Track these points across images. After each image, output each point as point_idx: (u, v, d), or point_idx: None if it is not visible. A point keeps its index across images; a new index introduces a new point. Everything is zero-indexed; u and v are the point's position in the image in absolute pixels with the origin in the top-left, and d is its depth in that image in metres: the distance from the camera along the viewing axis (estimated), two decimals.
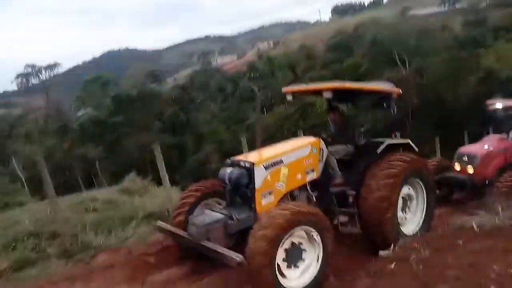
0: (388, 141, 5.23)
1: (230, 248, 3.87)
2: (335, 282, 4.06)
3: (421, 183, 5.26)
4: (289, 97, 5.50)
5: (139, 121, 35.19)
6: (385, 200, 4.68)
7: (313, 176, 4.84)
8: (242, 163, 4.45)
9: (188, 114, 37.48)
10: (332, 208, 4.92)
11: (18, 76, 53.37)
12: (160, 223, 4.78)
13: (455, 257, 3.75)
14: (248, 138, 9.87)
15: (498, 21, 35.05)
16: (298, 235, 3.87)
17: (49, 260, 4.94)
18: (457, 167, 7.96)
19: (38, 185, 25.82)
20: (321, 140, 4.99)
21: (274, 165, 4.44)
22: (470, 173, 7.62)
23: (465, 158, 7.82)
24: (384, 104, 5.49)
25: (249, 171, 4.33)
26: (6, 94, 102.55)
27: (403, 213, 5.15)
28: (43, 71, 54.83)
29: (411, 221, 5.27)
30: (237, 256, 3.57)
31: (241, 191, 4.40)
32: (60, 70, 62.24)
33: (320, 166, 4.91)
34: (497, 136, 8.54)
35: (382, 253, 4.46)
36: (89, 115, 36.11)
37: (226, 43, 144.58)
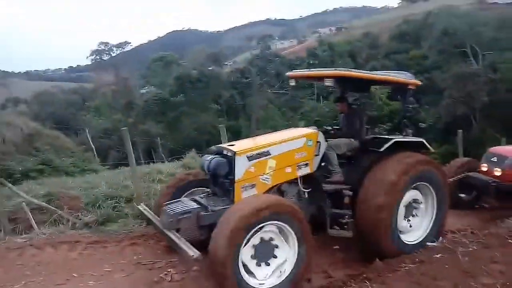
0: (396, 138, 4.73)
1: (201, 241, 3.69)
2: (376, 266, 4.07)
3: (431, 187, 4.73)
4: (292, 82, 5.15)
5: (198, 102, 36.63)
6: (383, 207, 4.21)
7: (306, 170, 4.47)
8: (224, 152, 4.20)
9: (245, 98, 38.22)
10: (324, 207, 4.54)
11: (92, 52, 57.29)
12: (142, 206, 4.68)
13: (502, 254, 3.85)
14: (305, 125, 10.01)
15: None
16: (270, 230, 3.60)
17: (127, 219, 5.69)
18: (484, 168, 7.20)
19: (105, 155, 28.17)
20: (319, 132, 4.61)
21: (260, 156, 4.14)
22: (496, 176, 6.88)
23: (494, 159, 7.08)
24: (399, 97, 5.05)
25: (230, 160, 4.05)
26: (79, 68, 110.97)
27: (407, 220, 4.68)
28: (114, 49, 58.29)
29: (417, 228, 4.76)
30: (193, 252, 3.38)
31: (221, 182, 4.16)
32: (128, 48, 65.78)
33: (316, 161, 4.54)
34: None
35: (429, 243, 4.60)
36: (153, 93, 38.08)
37: (286, 27, 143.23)
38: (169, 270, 4.23)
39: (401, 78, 4.89)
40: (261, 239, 3.58)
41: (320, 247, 4.74)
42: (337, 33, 79.48)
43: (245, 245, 3.45)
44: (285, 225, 3.58)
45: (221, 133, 6.91)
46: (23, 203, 5.65)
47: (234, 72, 40.39)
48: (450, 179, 6.52)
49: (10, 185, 6.09)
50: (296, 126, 6.80)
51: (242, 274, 3.41)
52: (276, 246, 3.65)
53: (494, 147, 7.60)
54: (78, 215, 5.72)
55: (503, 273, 3.40)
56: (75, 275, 4.19)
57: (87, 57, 61.85)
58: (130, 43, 64.96)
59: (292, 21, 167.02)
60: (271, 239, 3.63)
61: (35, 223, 5.45)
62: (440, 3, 55.57)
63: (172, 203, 4.19)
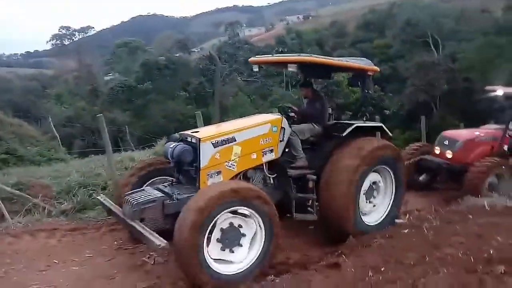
0: (357, 123, 4.88)
1: (167, 231, 3.61)
2: (350, 242, 4.32)
3: (390, 170, 4.93)
4: (255, 68, 5.15)
5: (166, 90, 35.97)
6: (345, 190, 4.38)
7: (272, 156, 4.50)
8: (189, 139, 4.15)
9: (214, 86, 37.94)
10: (289, 192, 4.59)
11: (52, 37, 54.52)
12: (102, 196, 4.57)
13: (463, 228, 4.22)
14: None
15: None
16: (235, 216, 3.62)
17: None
18: (437, 150, 7.68)
19: (70, 144, 27.23)
20: (283, 118, 4.62)
21: (225, 142, 4.11)
22: (448, 158, 7.37)
23: (446, 142, 7.57)
24: (359, 83, 5.17)
25: (195, 147, 4.00)
26: (37, 54, 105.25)
27: (368, 202, 4.87)
28: (76, 34, 55.76)
29: (377, 209, 4.99)
30: (160, 241, 3.32)
31: (185, 169, 4.10)
32: (91, 33, 63.04)
33: (280, 146, 4.58)
34: (494, 126, 8.10)
35: (397, 221, 4.96)
36: (119, 80, 36.99)
37: (254, 14, 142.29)
38: (151, 253, 4.29)
39: (361, 64, 5.01)
40: (230, 224, 3.60)
41: (295, 228, 5.00)
42: (304, 21, 80.00)
43: (210, 231, 3.43)
44: (253, 211, 3.60)
45: (197, 120, 6.95)
46: None
47: (202, 59, 39.81)
48: (406, 162, 6.96)
49: None
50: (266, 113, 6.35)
51: (208, 261, 3.42)
52: (244, 235, 3.67)
53: (446, 131, 8.03)
54: (55, 203, 5.64)
55: (463, 244, 3.75)
56: (56, 261, 4.19)
57: (47, 42, 58.77)
58: (93, 27, 62.19)
59: (260, 8, 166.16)
60: (240, 225, 3.65)
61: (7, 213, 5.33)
62: None
63: (134, 192, 4.08)
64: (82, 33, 57.51)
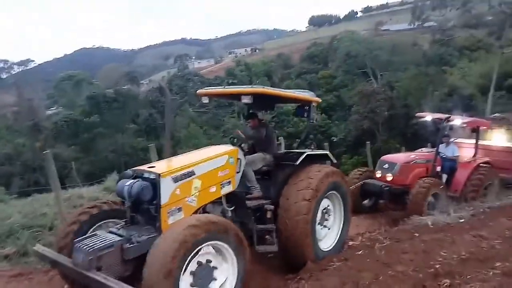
0: (308, 152, 5.03)
1: (127, 278, 3.37)
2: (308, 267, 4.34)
3: (338, 195, 5.08)
4: (205, 100, 5.15)
5: (114, 123, 34.98)
6: (303, 217, 4.41)
7: (229, 188, 4.40)
8: (146, 175, 3.83)
9: (165, 118, 37.56)
10: (249, 223, 4.53)
11: None
12: (38, 247, 3.95)
13: (411, 246, 4.54)
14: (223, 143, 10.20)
15: (463, 41, 37.44)
16: (206, 252, 3.44)
17: (52, 248, 5.32)
18: (378, 174, 8.06)
19: (8, 183, 25.32)
20: (239, 149, 4.60)
21: (185, 177, 3.89)
22: (388, 181, 7.76)
23: (386, 166, 7.97)
24: (304, 113, 5.28)
25: (154, 184, 3.71)
26: None
27: (321, 227, 4.96)
28: (15, 67, 53.15)
29: (330, 235, 5.07)
30: None
31: (144, 208, 3.78)
32: (31, 66, 60.40)
33: (237, 178, 4.51)
34: (428, 149, 8.86)
35: (351, 242, 5.18)
36: (63, 115, 35.45)
37: (202, 47, 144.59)
38: None
39: (306, 96, 5.25)
40: (198, 263, 3.40)
41: (255, 256, 5.02)
42: (251, 54, 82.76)
43: (183, 273, 3.22)
44: (223, 244, 3.45)
45: (151, 153, 6.85)
46: None
47: (152, 90, 39.47)
48: (351, 187, 7.32)
49: None
50: (220, 144, 6.02)
51: None
52: (215, 268, 3.50)
53: (385, 155, 8.57)
54: None
55: (412, 261, 4.03)
56: None
57: None
58: (33, 60, 59.84)
59: (207, 41, 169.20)
60: (209, 261, 3.47)
61: None
62: (342, 29, 61.46)
63: (84, 239, 3.58)
64: (22, 66, 55.00)
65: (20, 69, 54.19)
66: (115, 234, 3.66)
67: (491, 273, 3.52)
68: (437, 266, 3.80)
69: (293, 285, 3.98)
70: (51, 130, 33.75)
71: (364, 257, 4.33)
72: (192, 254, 3.25)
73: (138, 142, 33.28)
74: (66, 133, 33.61)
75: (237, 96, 4.84)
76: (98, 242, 3.45)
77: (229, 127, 33.76)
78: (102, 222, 4.19)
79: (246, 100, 4.55)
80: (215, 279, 3.49)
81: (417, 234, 5.03)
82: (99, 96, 35.74)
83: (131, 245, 3.47)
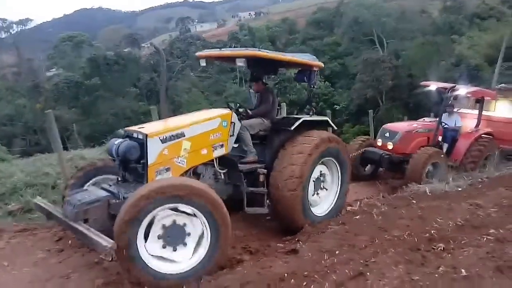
0: (304, 117, 4.99)
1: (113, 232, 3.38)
2: (306, 230, 4.48)
3: (335, 162, 5.07)
4: (203, 63, 5.05)
5: (115, 86, 34.69)
6: (295, 182, 4.45)
7: (222, 151, 4.45)
8: (135, 135, 3.95)
9: (166, 82, 37.20)
10: (241, 186, 4.56)
11: None
12: (38, 199, 4.19)
13: (407, 212, 4.60)
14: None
15: (475, 8, 36.21)
16: (183, 214, 3.41)
17: (56, 206, 5.44)
18: (379, 142, 8.10)
19: (9, 143, 25.50)
20: (233, 112, 4.59)
21: (174, 138, 3.97)
22: (389, 149, 7.82)
23: (387, 134, 8.00)
24: (305, 78, 5.21)
25: (142, 144, 3.82)
26: None
27: (317, 193, 4.99)
28: (14, 26, 52.04)
29: (325, 200, 5.12)
30: (107, 242, 3.04)
31: (132, 167, 3.90)
32: (31, 26, 59.19)
33: (231, 141, 4.54)
34: (431, 118, 8.82)
35: (349, 208, 5.26)
36: (64, 76, 35.09)
37: (205, 10, 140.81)
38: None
39: (306, 59, 5.11)
40: (174, 221, 3.39)
41: (254, 219, 5.14)
42: (256, 18, 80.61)
43: (149, 226, 3.28)
44: (196, 210, 3.39)
45: (153, 115, 6.84)
46: None
47: (153, 54, 38.83)
48: (351, 155, 7.40)
49: None
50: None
51: (143, 257, 3.26)
52: (188, 234, 3.46)
53: (387, 124, 8.54)
54: None
55: (408, 226, 4.10)
56: (5, 263, 3.97)
57: None
58: (32, 20, 58.41)
59: (211, 4, 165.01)
60: (184, 224, 3.44)
61: None
62: None
63: (76, 193, 3.80)
64: (21, 26, 53.86)
65: (19, 29, 53.02)
66: (105, 190, 3.87)
67: (484, 239, 3.58)
68: (433, 231, 3.86)
69: (290, 245, 4.07)
70: (51, 92, 33.56)
71: (361, 222, 4.41)
72: (156, 210, 3.25)
73: (139, 106, 33.19)
74: (67, 95, 33.46)
75: (234, 60, 4.73)
76: (87, 196, 3.65)
77: (231, 93, 33.52)
78: (98, 178, 4.47)
79: (240, 63, 4.52)
80: (186, 243, 3.47)
81: (414, 201, 5.09)
82: (99, 59, 35.23)
83: (117, 201, 3.63)
